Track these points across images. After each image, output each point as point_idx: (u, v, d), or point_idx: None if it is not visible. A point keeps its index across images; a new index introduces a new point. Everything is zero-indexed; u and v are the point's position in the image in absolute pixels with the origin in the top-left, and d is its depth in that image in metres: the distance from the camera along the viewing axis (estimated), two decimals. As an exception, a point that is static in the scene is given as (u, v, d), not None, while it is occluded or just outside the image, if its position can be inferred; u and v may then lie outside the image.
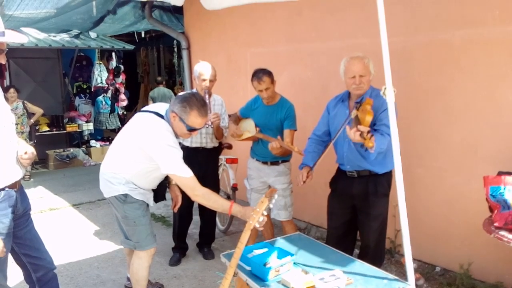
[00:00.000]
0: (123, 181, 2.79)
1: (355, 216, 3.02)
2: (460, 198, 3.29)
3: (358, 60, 2.75)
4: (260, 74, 3.32)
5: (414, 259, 2.49)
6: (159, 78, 9.53)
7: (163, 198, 3.11)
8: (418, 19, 3.40)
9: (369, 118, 2.45)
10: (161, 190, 3.04)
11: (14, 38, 2.21)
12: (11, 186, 2.27)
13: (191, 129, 2.69)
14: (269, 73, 3.36)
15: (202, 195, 2.59)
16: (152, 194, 2.98)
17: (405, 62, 3.43)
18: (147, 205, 2.96)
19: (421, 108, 3.42)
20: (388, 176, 2.87)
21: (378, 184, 2.85)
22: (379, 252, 3.05)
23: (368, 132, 2.36)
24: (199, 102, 2.66)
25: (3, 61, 2.19)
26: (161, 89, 8.97)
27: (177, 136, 2.76)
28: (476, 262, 3.22)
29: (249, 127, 3.53)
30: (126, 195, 2.79)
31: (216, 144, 3.92)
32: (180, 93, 3.81)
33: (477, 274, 3.23)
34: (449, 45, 3.23)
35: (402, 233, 2.17)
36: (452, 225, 3.36)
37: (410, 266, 2.16)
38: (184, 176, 2.59)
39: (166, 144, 2.60)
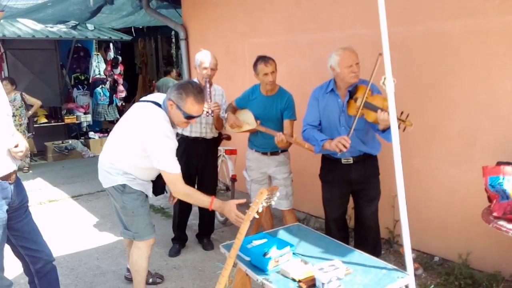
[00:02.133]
0: (121, 171, 2.79)
1: (348, 203, 3.22)
2: (459, 188, 3.30)
3: (351, 50, 2.91)
4: (267, 58, 3.38)
5: (412, 249, 2.51)
6: (168, 68, 9.47)
7: (163, 191, 3.11)
8: (417, 9, 3.37)
9: (385, 102, 2.53)
10: (161, 183, 3.02)
11: None
12: (4, 178, 2.26)
13: (189, 117, 2.69)
14: (273, 59, 3.41)
15: (183, 193, 2.65)
16: (151, 185, 2.98)
17: (404, 52, 3.42)
18: (146, 196, 2.96)
19: (420, 99, 3.41)
20: (376, 157, 3.09)
21: (373, 165, 3.08)
22: (379, 234, 3.24)
23: (402, 113, 2.46)
24: (195, 89, 2.67)
25: None
26: (166, 79, 8.95)
27: (174, 125, 2.75)
28: (474, 252, 3.23)
29: (248, 119, 3.52)
30: (124, 186, 2.80)
31: (216, 135, 3.91)
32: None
33: (475, 263, 3.25)
34: (448, 36, 3.21)
35: (401, 223, 2.17)
36: (451, 215, 3.37)
37: (409, 256, 2.17)
38: (170, 172, 2.62)
39: (163, 133, 2.61)
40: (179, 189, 2.65)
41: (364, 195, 3.10)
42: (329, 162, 3.11)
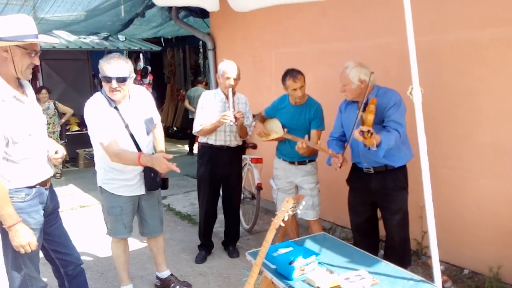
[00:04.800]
0: (101, 171, 3.09)
1: (376, 212, 3.18)
2: (489, 200, 3.22)
3: (342, 70, 2.96)
4: (295, 72, 3.38)
5: (441, 261, 2.46)
6: (200, 78, 9.68)
7: (156, 186, 3.17)
8: (445, 17, 3.34)
9: (370, 117, 2.61)
10: (151, 177, 3.09)
11: (46, 39, 2.31)
12: (42, 184, 2.38)
13: (106, 78, 2.82)
14: (302, 73, 3.42)
15: (114, 156, 2.84)
16: (138, 184, 3.10)
17: (432, 61, 3.39)
18: (133, 197, 3.12)
19: (449, 108, 3.37)
20: (403, 170, 3.01)
21: (396, 178, 2.98)
22: (404, 247, 3.15)
23: (368, 131, 2.46)
24: (108, 55, 2.88)
25: (37, 62, 2.28)
26: (196, 88, 9.14)
27: (111, 101, 2.92)
28: (506, 265, 3.15)
29: (275, 127, 3.55)
30: (101, 187, 3.11)
31: (240, 143, 3.95)
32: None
33: (507, 277, 3.16)
34: (477, 44, 3.17)
35: (429, 235, 2.15)
36: (481, 227, 3.30)
37: (437, 268, 2.15)
38: (99, 140, 2.87)
39: (88, 108, 2.88)
40: (109, 153, 2.85)
41: (385, 207, 3.06)
42: (355, 169, 3.16)
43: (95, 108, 2.89)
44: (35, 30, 2.21)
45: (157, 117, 3.28)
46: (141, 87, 3.22)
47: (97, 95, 2.98)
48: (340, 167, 2.93)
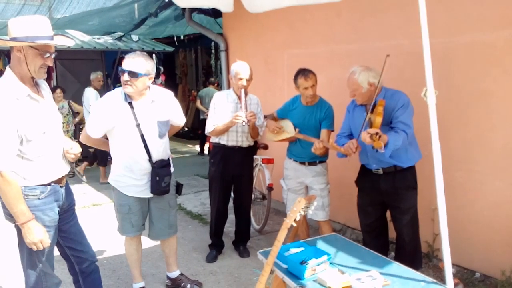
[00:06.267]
0: (114, 168, 3.12)
1: (385, 213, 3.21)
2: (503, 203, 3.19)
3: (349, 76, 2.96)
4: (307, 71, 3.41)
5: (452, 264, 2.45)
6: (212, 79, 9.73)
7: (165, 191, 3.13)
8: (460, 19, 3.33)
9: (378, 119, 2.60)
10: (156, 181, 3.06)
11: (60, 41, 2.34)
12: (56, 182, 2.42)
13: (121, 71, 2.89)
14: (313, 72, 3.45)
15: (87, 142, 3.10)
16: (145, 187, 3.08)
17: (446, 63, 3.37)
18: (142, 198, 3.14)
19: (463, 111, 3.35)
20: (412, 170, 3.04)
21: (405, 178, 3.01)
22: (415, 247, 3.16)
23: (377, 134, 2.47)
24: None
25: (50, 63, 2.31)
26: (208, 89, 9.19)
27: (131, 97, 2.96)
28: (519, 269, 3.12)
29: (287, 128, 3.56)
30: (112, 185, 3.16)
31: (252, 143, 3.97)
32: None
33: (520, 281, 3.13)
34: (492, 46, 3.14)
35: (441, 237, 2.15)
36: (494, 231, 3.27)
37: (448, 270, 2.14)
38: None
39: (95, 105, 3.02)
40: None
41: (395, 207, 3.08)
42: (364, 170, 3.19)
43: (100, 103, 2.99)
44: (50, 32, 2.24)
45: (180, 119, 3.32)
46: (168, 91, 3.23)
47: (116, 90, 3.05)
48: (354, 152, 2.85)
